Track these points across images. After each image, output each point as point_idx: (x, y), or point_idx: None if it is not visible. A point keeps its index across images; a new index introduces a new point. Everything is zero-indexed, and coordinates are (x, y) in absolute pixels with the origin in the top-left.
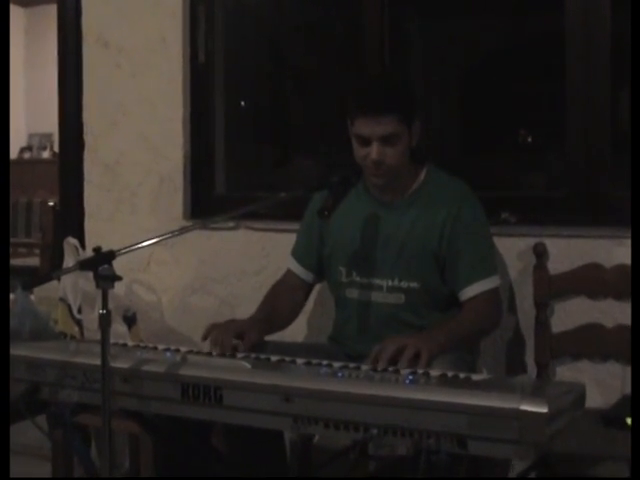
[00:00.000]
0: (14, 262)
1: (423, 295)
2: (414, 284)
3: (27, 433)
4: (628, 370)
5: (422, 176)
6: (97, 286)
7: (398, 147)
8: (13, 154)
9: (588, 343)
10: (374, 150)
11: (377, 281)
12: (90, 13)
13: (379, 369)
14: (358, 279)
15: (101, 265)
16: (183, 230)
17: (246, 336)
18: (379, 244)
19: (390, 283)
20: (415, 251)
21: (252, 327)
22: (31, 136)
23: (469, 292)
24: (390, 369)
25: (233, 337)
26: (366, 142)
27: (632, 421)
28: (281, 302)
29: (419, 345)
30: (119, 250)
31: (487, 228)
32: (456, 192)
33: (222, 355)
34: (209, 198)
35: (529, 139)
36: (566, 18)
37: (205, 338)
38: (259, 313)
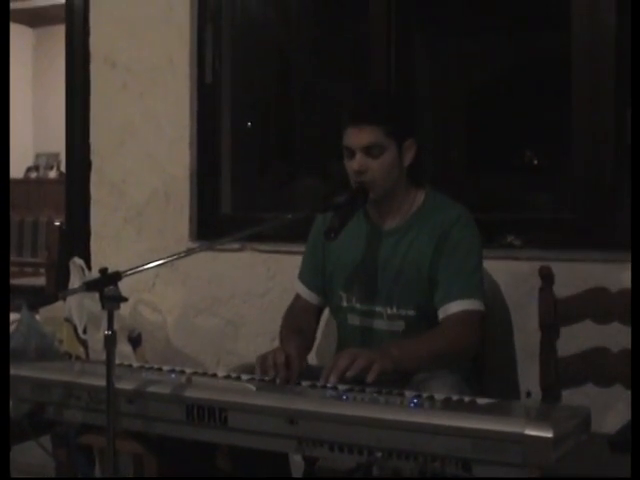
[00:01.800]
0: (20, 282)
1: (421, 322)
2: (411, 312)
3: (31, 453)
4: None
5: (420, 200)
6: (103, 307)
7: (382, 160)
8: (19, 174)
9: (594, 367)
10: (356, 160)
11: (377, 308)
12: (97, 33)
13: (331, 383)
14: (358, 305)
15: (107, 286)
16: (189, 252)
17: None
18: (377, 270)
19: (389, 311)
20: (411, 277)
21: (301, 355)
22: (38, 156)
23: (446, 310)
24: (395, 392)
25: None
26: (351, 154)
27: (632, 439)
28: (304, 326)
29: (372, 357)
30: (125, 271)
31: (475, 251)
32: (452, 215)
33: (227, 377)
34: (215, 218)
35: (535, 161)
36: (572, 39)
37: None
38: (296, 340)
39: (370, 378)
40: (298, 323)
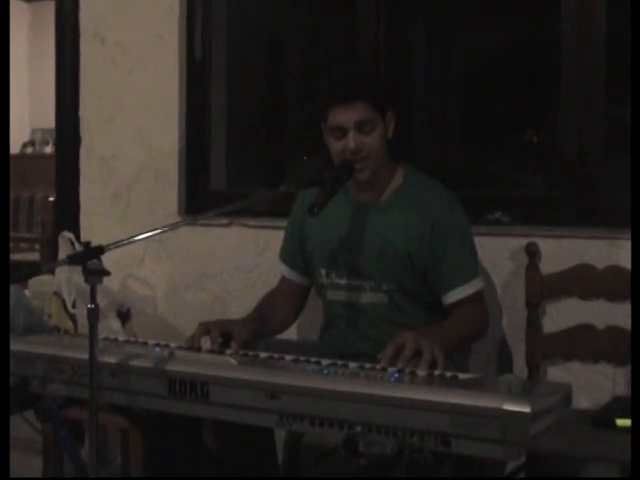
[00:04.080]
0: (15, 257)
1: (405, 296)
2: (394, 286)
3: (20, 427)
4: (619, 371)
5: (400, 177)
6: (85, 280)
7: (374, 135)
8: (15, 149)
9: (579, 344)
10: (351, 139)
11: (359, 282)
12: (87, 9)
13: (398, 368)
14: (338, 280)
15: (90, 259)
16: (173, 226)
17: (236, 334)
18: (357, 246)
19: (372, 284)
20: (393, 254)
21: (242, 326)
22: (34, 131)
23: (451, 297)
24: (378, 367)
25: (219, 334)
26: (342, 134)
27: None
28: (272, 310)
29: (434, 349)
30: (108, 245)
31: (467, 231)
32: (435, 196)
33: (210, 351)
34: (204, 194)
35: (535, 139)
36: (562, 20)
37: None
38: (249, 316)
39: (439, 369)
40: (266, 308)
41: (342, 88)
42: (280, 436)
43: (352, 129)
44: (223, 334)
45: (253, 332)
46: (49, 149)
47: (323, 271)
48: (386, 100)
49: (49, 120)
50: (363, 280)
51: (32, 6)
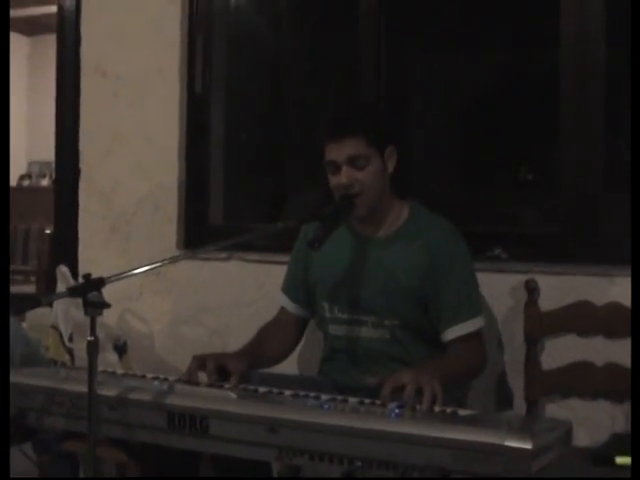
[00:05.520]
0: (11, 289)
1: (407, 332)
2: (396, 321)
3: (15, 459)
4: (618, 408)
5: (406, 213)
6: (85, 313)
7: (368, 171)
8: (12, 181)
9: (578, 381)
10: (343, 174)
11: (361, 317)
12: (88, 42)
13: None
14: (340, 315)
15: (90, 292)
16: (172, 259)
17: (232, 367)
18: (360, 280)
19: (374, 319)
20: (396, 289)
21: (237, 359)
22: (31, 164)
23: (451, 334)
24: (378, 402)
25: (214, 368)
26: (336, 169)
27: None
28: (269, 341)
29: (434, 386)
30: (109, 277)
31: (470, 268)
32: (439, 231)
33: (209, 385)
34: (203, 228)
35: (529, 176)
36: (561, 54)
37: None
38: (245, 348)
39: (440, 399)
40: (263, 339)
41: (335, 124)
42: (275, 469)
43: (344, 164)
44: (218, 367)
45: (248, 364)
46: (46, 182)
47: (326, 305)
48: (386, 136)
49: (46, 153)
50: (365, 315)
51: (32, 39)
